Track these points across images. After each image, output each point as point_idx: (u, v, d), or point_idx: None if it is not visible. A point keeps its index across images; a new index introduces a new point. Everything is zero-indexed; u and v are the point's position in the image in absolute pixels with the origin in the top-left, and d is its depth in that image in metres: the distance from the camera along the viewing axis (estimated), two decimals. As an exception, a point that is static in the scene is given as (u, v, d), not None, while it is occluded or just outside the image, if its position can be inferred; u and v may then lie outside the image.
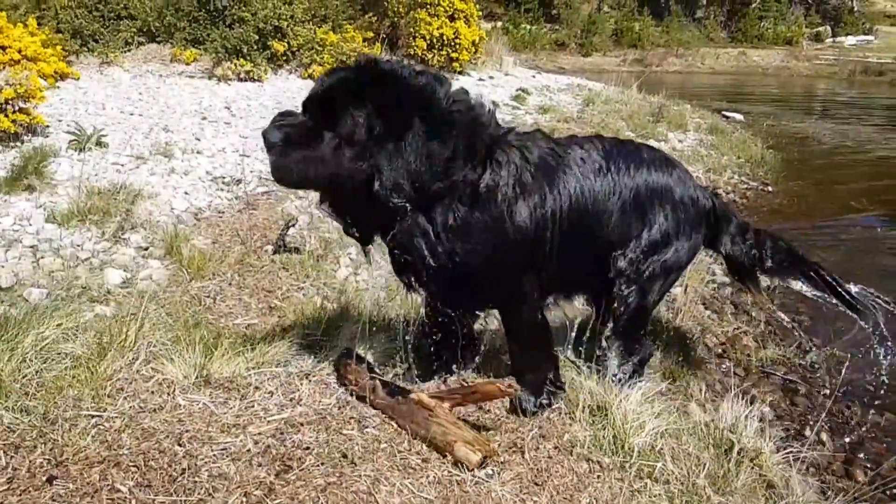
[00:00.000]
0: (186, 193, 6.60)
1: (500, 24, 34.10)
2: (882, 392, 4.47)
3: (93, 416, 2.94)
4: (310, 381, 3.32)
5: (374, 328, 3.85)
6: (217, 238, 5.68)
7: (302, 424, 2.98)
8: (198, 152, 7.79)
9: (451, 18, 14.86)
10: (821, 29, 45.25)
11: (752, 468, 2.93)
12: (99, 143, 7.05)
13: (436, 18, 14.59)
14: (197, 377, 3.26)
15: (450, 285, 3.02)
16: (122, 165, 6.86)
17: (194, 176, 7.08)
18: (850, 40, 43.55)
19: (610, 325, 3.41)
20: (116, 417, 2.95)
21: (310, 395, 3.20)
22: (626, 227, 3.34)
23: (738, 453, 2.95)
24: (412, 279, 3.07)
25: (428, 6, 14.70)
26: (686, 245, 3.48)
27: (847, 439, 4.00)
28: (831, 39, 44.26)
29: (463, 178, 2.84)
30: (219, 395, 3.18)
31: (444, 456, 2.84)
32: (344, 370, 3.28)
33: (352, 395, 3.18)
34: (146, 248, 5.32)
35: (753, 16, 44.66)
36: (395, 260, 3.08)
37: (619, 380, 3.42)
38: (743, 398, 3.30)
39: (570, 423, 3.10)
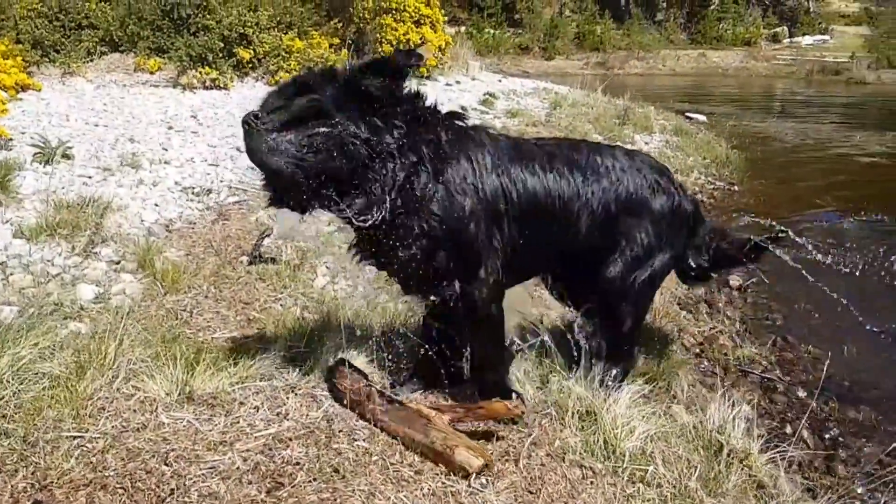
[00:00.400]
0: (156, 205, 6.49)
1: (463, 28, 34.14)
2: (857, 388, 4.56)
3: (75, 438, 2.87)
4: (296, 394, 3.28)
5: (357, 338, 3.81)
6: (190, 250, 5.59)
7: (290, 439, 2.94)
8: (166, 163, 7.68)
9: (417, 24, 14.87)
10: (778, 30, 46.06)
11: (742, 469, 2.95)
12: (65, 156, 6.91)
13: (402, 24, 14.59)
14: (179, 394, 3.20)
15: (409, 257, 3.01)
16: (90, 178, 6.73)
17: (163, 187, 6.98)
18: (806, 40, 44.37)
19: (598, 331, 3.42)
20: (99, 438, 2.88)
21: (297, 409, 3.15)
22: (607, 233, 3.36)
23: (728, 455, 2.97)
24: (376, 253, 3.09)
25: (394, 12, 14.69)
26: (671, 252, 3.52)
27: (827, 436, 4.06)
28: (788, 40, 45.05)
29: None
30: (203, 412, 3.12)
31: (439, 465, 2.81)
32: (338, 378, 3.24)
33: (344, 404, 3.15)
34: (118, 262, 5.21)
35: (712, 17, 45.29)
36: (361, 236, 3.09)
37: (607, 385, 3.42)
38: (729, 399, 3.32)
39: (560, 428, 3.09)
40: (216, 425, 3.03)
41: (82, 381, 3.17)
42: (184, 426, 3.02)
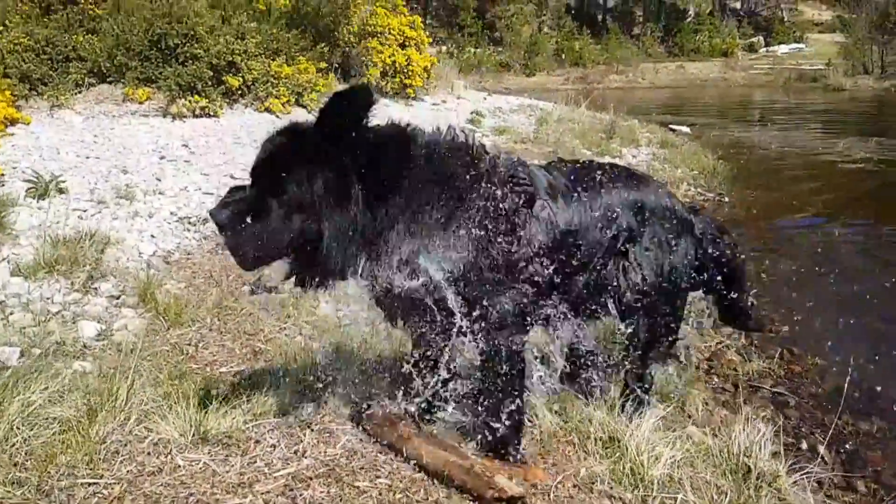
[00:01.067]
0: (153, 237, 6.44)
1: (444, 48, 34.35)
2: (867, 399, 4.55)
3: (90, 484, 2.81)
4: (312, 430, 3.22)
5: (367, 367, 3.78)
6: (190, 281, 5.54)
7: (311, 479, 2.88)
8: (160, 193, 7.64)
9: (402, 46, 14.94)
10: (754, 39, 46.71)
11: (772, 493, 2.92)
12: (58, 190, 6.85)
13: (387, 47, 14.64)
14: (194, 434, 3.14)
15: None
16: (84, 211, 6.67)
17: (159, 218, 6.94)
18: (782, 49, 44.99)
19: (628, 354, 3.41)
20: (115, 483, 2.82)
21: (314, 446, 3.10)
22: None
23: (757, 478, 2.94)
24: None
25: (379, 35, 14.74)
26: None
27: (843, 450, 4.03)
28: (765, 49, 45.67)
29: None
30: (218, 453, 3.06)
31: (472, 493, 2.74)
32: (364, 409, 3.20)
33: (367, 431, 3.10)
34: (118, 297, 5.15)
35: (689, 30, 45.85)
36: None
37: (632, 409, 3.41)
38: (750, 419, 3.29)
39: (584, 455, 3.06)
40: (233, 466, 2.97)
41: (94, 424, 3.10)
42: (200, 468, 2.96)
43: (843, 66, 35.01)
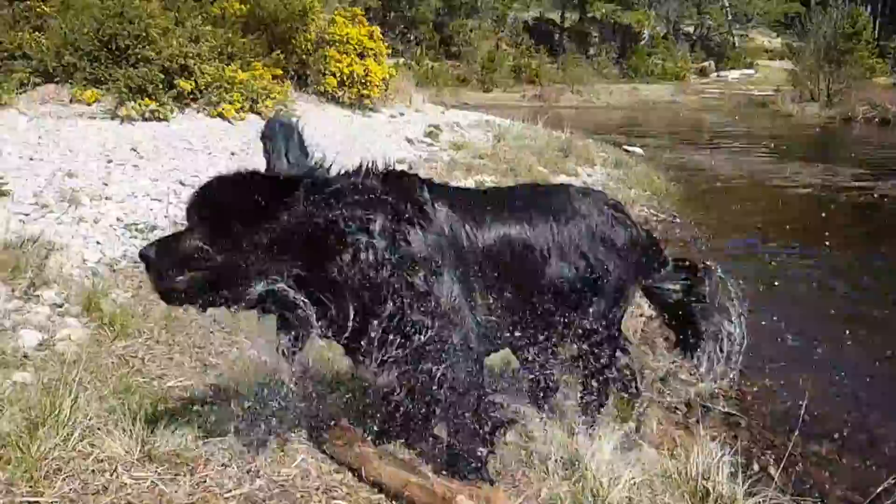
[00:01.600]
0: (98, 243, 6.25)
1: (402, 60, 34.33)
2: (813, 420, 4.59)
3: (30, 503, 2.67)
4: (266, 449, 3.12)
5: (323, 383, 3.69)
6: (137, 291, 5.37)
7: (264, 500, 2.79)
8: (107, 198, 7.41)
9: (361, 56, 14.84)
10: (706, 64, 47.78)
11: (730, 517, 2.92)
12: (0, 193, 6.60)
13: (346, 56, 14.53)
14: (140, 452, 3.02)
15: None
16: (27, 215, 6.43)
17: (105, 224, 6.73)
18: (733, 74, 46.12)
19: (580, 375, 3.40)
20: (56, 502, 2.69)
21: (268, 466, 3.00)
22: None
23: (715, 501, 2.94)
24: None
25: (337, 44, 14.64)
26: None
27: (793, 471, 4.06)
28: (716, 74, 46.74)
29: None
30: (167, 472, 2.94)
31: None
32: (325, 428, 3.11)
33: (325, 451, 3.01)
34: (61, 306, 4.96)
35: (643, 52, 46.65)
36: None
37: (589, 428, 3.40)
38: (705, 440, 3.30)
39: (544, 476, 3.02)
40: (182, 486, 2.86)
41: (35, 439, 2.95)
42: (147, 487, 2.84)
43: (790, 93, 35.98)
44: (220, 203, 2.71)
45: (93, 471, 2.92)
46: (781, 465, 3.57)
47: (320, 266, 2.67)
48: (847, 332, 5.76)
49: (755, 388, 5.26)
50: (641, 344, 5.75)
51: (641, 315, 6.37)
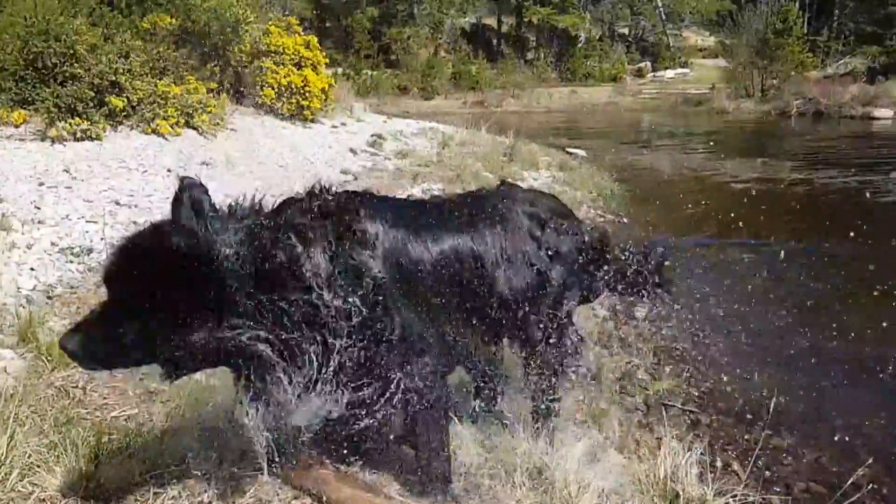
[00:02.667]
0: (32, 269, 5.98)
1: (340, 70, 34.13)
2: (771, 414, 4.62)
3: (-37, 554, 2.48)
4: (218, 478, 2.96)
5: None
6: (75, 318, 5.12)
7: (219, 533, 2.64)
8: (39, 222, 7.13)
9: (298, 66, 14.64)
10: (642, 65, 48.60)
11: (702, 518, 2.87)
12: (-76, 220, 6.28)
13: (282, 66, 14.32)
14: (85, 489, 2.84)
15: None
16: (-46, 243, 6.13)
17: (38, 249, 6.46)
18: (669, 74, 46.99)
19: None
20: (-6, 549, 2.51)
21: (220, 497, 2.85)
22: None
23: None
24: None
25: (273, 55, 14.42)
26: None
27: (756, 467, 4.05)
28: (652, 74, 47.57)
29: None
30: (114, 509, 2.78)
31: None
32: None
33: (276, 475, 2.88)
34: (-6, 337, 4.72)
35: (580, 55, 47.27)
36: None
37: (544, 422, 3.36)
38: (677, 442, 3.25)
39: (511, 489, 2.93)
40: (130, 523, 2.69)
41: (-32, 482, 2.76)
42: (92, 526, 2.67)
43: (725, 90, 36.78)
44: (139, 266, 2.47)
45: (33, 513, 2.74)
46: (748, 461, 3.53)
47: (263, 307, 2.50)
48: (801, 322, 5.83)
49: (712, 385, 5.28)
50: (597, 345, 5.73)
51: (595, 316, 6.36)
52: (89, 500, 2.79)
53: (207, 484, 2.92)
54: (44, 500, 2.78)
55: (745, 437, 4.42)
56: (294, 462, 2.91)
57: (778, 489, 3.82)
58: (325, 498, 2.75)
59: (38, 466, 2.96)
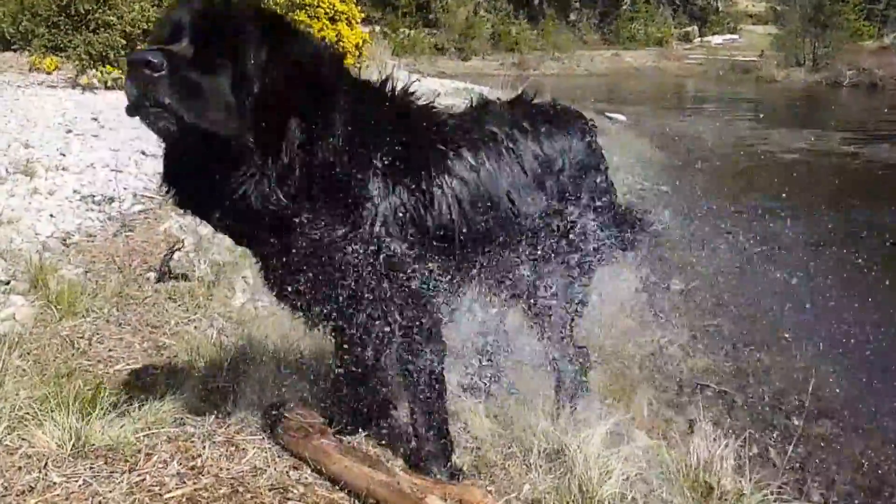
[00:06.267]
0: (52, 216, 5.87)
1: (378, 28, 33.69)
2: (814, 399, 4.33)
3: (-57, 506, 2.34)
4: (213, 442, 2.78)
5: (285, 367, 3.35)
6: (90, 266, 5.01)
7: (209, 500, 2.46)
8: (63, 169, 7.04)
9: (332, 21, 14.35)
10: (689, 29, 47.31)
11: (737, 514, 2.61)
12: (-53, 162, 6.20)
13: (316, 20, 14.04)
14: (73, 446, 2.68)
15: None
16: (-25, 188, 6.05)
17: (60, 196, 6.36)
18: (716, 39, 45.69)
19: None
20: (-26, 505, 2.36)
21: (215, 462, 2.66)
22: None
23: (720, 498, 2.63)
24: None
25: (307, 7, 14.14)
26: None
27: (795, 455, 3.78)
28: (699, 39, 46.30)
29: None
30: (102, 468, 2.61)
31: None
32: (278, 415, 2.78)
33: (281, 443, 2.69)
34: (7, 283, 4.59)
35: (624, 18, 46.14)
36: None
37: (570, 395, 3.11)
38: (708, 426, 2.98)
39: (525, 471, 2.71)
40: (118, 484, 2.52)
41: (-46, 433, 2.62)
42: (79, 487, 2.51)
43: (775, 58, 35.60)
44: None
45: (19, 468, 2.59)
46: (786, 449, 3.26)
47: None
48: (847, 301, 5.46)
49: (750, 365, 4.98)
50: (629, 318, 5.44)
51: (628, 287, 6.07)
52: (77, 458, 2.63)
53: (203, 447, 2.74)
54: (30, 455, 2.63)
55: (784, 422, 4.14)
56: (292, 428, 2.72)
57: (819, 481, 3.54)
58: (323, 468, 2.55)
59: (30, 419, 2.81)
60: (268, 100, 2.20)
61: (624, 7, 47.11)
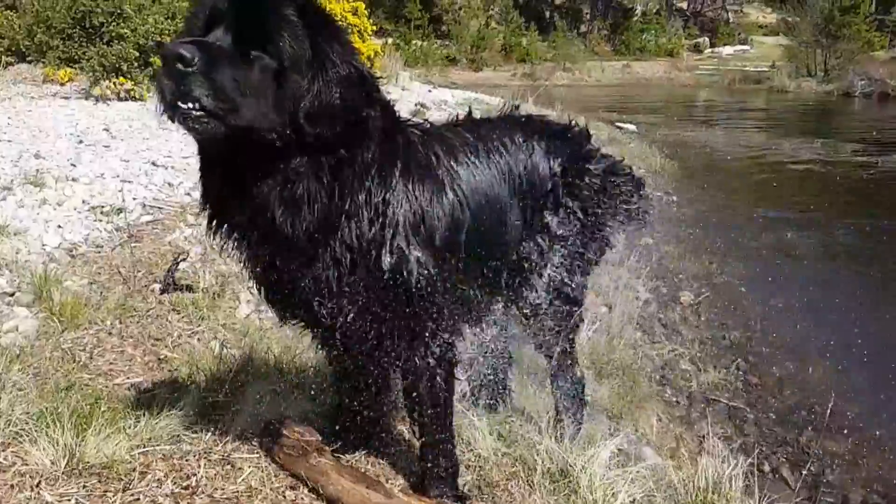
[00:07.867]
0: (59, 227, 5.84)
1: (390, 40, 33.73)
2: (828, 415, 4.24)
3: (-68, 528, 2.29)
4: (209, 460, 2.72)
5: (287, 382, 3.30)
6: (95, 278, 4.97)
7: (202, 521, 2.41)
8: (73, 179, 7.01)
9: (345, 33, 14.36)
10: (699, 40, 47.10)
11: (745, 538, 2.53)
12: (-43, 174, 6.19)
13: (328, 33, 14.05)
14: (67, 464, 2.63)
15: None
16: (-16, 199, 6.04)
17: (69, 206, 6.33)
18: (727, 50, 45.44)
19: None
20: (-36, 526, 2.32)
21: (210, 481, 2.60)
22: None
23: (728, 521, 2.55)
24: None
25: (320, 20, 14.15)
26: None
27: (807, 472, 3.70)
28: (710, 50, 46.08)
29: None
30: (95, 487, 2.56)
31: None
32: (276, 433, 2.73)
33: (278, 461, 2.64)
34: (12, 294, 4.57)
35: (635, 29, 46.00)
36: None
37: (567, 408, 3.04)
38: (717, 442, 2.90)
39: (528, 491, 2.63)
40: None
41: (-54, 451, 2.57)
42: (70, 506, 2.46)
43: (786, 69, 35.36)
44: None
45: (12, 486, 2.54)
46: (800, 467, 3.17)
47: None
48: (863, 315, 5.37)
49: (762, 379, 4.90)
50: (637, 330, 5.37)
51: (636, 298, 6.00)
52: (70, 476, 2.58)
53: (198, 466, 2.68)
54: (23, 473, 2.58)
55: (798, 438, 4.05)
56: (289, 446, 2.66)
57: (832, 501, 3.44)
58: (320, 488, 2.49)
59: (25, 435, 2.76)
60: (322, 98, 2.09)
61: (635, 18, 47.01)
